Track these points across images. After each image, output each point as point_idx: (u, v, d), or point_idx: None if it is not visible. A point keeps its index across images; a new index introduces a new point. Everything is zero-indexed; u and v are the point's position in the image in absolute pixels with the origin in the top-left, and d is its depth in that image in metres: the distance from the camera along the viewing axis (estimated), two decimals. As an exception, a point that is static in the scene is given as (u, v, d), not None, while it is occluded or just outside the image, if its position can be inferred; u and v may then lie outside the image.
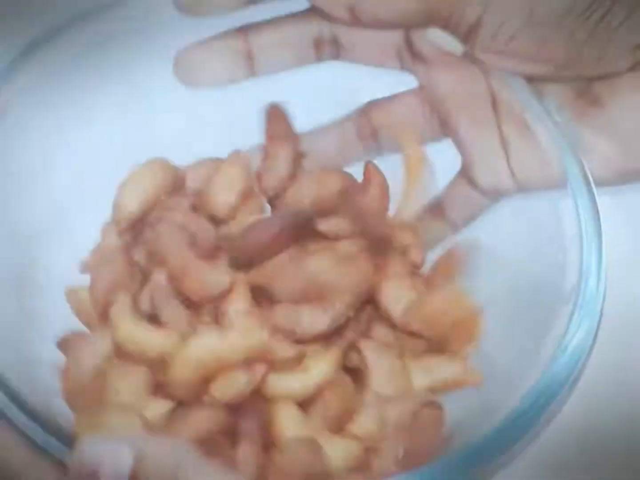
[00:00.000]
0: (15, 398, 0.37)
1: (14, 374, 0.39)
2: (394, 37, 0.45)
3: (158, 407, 0.43)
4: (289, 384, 0.43)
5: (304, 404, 0.44)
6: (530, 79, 0.44)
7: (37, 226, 0.47)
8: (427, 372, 0.45)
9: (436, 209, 0.48)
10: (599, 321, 0.39)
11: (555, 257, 0.42)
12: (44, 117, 0.46)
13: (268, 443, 0.42)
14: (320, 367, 0.44)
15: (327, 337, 0.45)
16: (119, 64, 0.48)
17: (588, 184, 0.42)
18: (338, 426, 0.44)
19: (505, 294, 0.46)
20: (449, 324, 0.45)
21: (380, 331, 0.46)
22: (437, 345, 0.46)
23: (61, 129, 0.47)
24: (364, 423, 0.44)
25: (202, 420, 0.42)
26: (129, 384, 0.43)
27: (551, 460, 0.44)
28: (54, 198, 0.47)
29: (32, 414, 0.36)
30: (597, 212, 0.42)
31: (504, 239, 0.47)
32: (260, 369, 0.42)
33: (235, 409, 0.42)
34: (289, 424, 0.42)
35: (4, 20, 0.57)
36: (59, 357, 0.45)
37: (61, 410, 0.43)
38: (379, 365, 0.44)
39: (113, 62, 0.48)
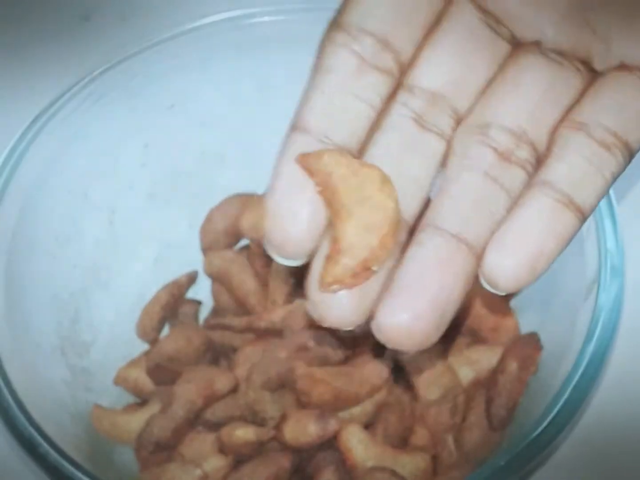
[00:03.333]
0: (70, 459, 0.38)
1: (68, 435, 0.41)
2: None
3: (218, 461, 0.43)
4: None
5: (367, 426, 0.44)
6: None
7: (76, 285, 0.48)
8: (471, 365, 0.45)
9: None
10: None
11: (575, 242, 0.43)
12: (68, 178, 0.48)
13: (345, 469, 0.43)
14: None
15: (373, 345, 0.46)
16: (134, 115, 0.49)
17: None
18: (402, 441, 0.44)
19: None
20: (475, 315, 0.46)
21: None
22: (476, 337, 0.46)
23: (86, 185, 0.49)
24: (424, 432, 0.44)
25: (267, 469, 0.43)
26: (197, 448, 0.44)
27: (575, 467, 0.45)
28: (89, 255, 0.49)
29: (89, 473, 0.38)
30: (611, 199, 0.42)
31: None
32: (334, 424, 0.43)
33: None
34: (359, 447, 0.43)
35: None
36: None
37: (122, 458, 0.45)
38: (421, 372, 0.45)
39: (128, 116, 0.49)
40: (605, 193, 0.29)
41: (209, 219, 0.51)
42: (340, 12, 0.30)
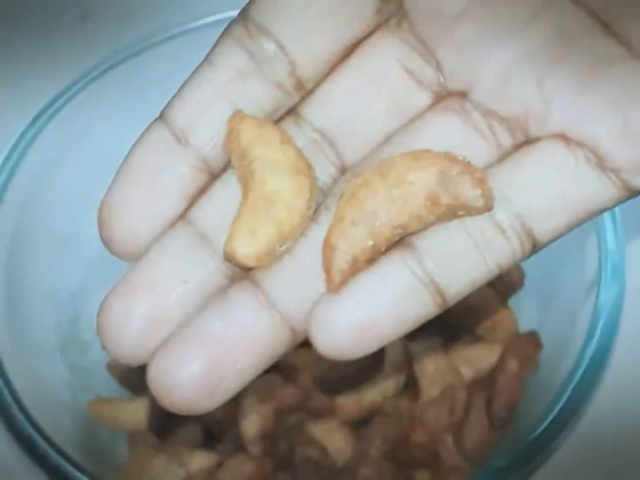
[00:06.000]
0: (69, 459, 0.38)
1: (68, 435, 0.41)
2: None
3: (203, 459, 0.43)
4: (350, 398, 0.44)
5: (361, 424, 0.45)
6: None
7: (76, 285, 0.48)
8: (469, 364, 0.45)
9: None
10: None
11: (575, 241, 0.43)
12: (68, 178, 0.48)
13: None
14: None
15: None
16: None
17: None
18: (399, 443, 0.44)
19: (533, 281, 0.47)
20: (471, 314, 0.46)
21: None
22: (474, 336, 0.46)
23: (86, 185, 0.47)
24: (423, 432, 0.44)
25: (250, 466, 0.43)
26: (183, 440, 0.44)
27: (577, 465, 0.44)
28: (89, 255, 0.48)
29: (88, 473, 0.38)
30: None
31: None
32: None
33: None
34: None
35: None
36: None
37: (121, 458, 0.45)
38: (425, 369, 0.45)
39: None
40: (482, 284, 0.24)
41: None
42: (251, 1, 0.26)
